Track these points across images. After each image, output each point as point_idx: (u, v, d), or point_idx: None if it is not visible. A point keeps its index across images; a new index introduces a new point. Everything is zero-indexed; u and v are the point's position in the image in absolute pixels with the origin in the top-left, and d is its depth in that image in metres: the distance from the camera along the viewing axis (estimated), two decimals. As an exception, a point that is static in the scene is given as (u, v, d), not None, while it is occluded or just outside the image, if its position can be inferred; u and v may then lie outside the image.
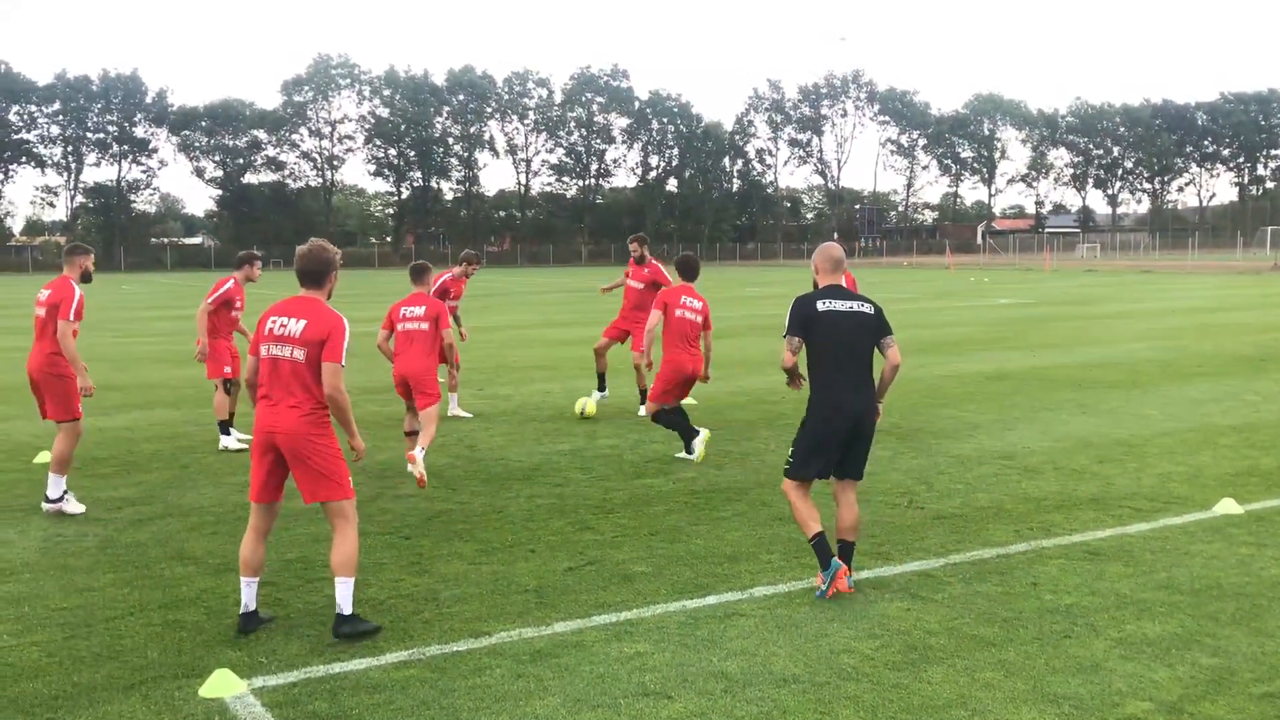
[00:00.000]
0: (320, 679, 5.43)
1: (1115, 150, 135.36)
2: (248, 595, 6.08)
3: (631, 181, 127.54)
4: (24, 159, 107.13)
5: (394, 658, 5.68)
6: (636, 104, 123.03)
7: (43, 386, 8.83)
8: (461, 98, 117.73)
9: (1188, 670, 5.44)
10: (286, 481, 6.15)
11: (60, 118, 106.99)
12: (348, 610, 5.96)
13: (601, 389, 14.11)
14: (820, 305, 6.75)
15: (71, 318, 8.69)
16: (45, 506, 8.71)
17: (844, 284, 6.99)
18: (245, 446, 11.04)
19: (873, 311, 6.82)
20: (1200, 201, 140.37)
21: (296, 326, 5.98)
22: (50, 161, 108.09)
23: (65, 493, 8.76)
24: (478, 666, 5.55)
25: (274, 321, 6.06)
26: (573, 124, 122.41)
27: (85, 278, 9.07)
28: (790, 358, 6.79)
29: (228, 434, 11.52)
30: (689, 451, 10.59)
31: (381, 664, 5.61)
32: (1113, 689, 5.22)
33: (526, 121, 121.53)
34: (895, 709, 5.02)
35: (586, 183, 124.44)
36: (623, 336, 13.94)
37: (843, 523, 6.83)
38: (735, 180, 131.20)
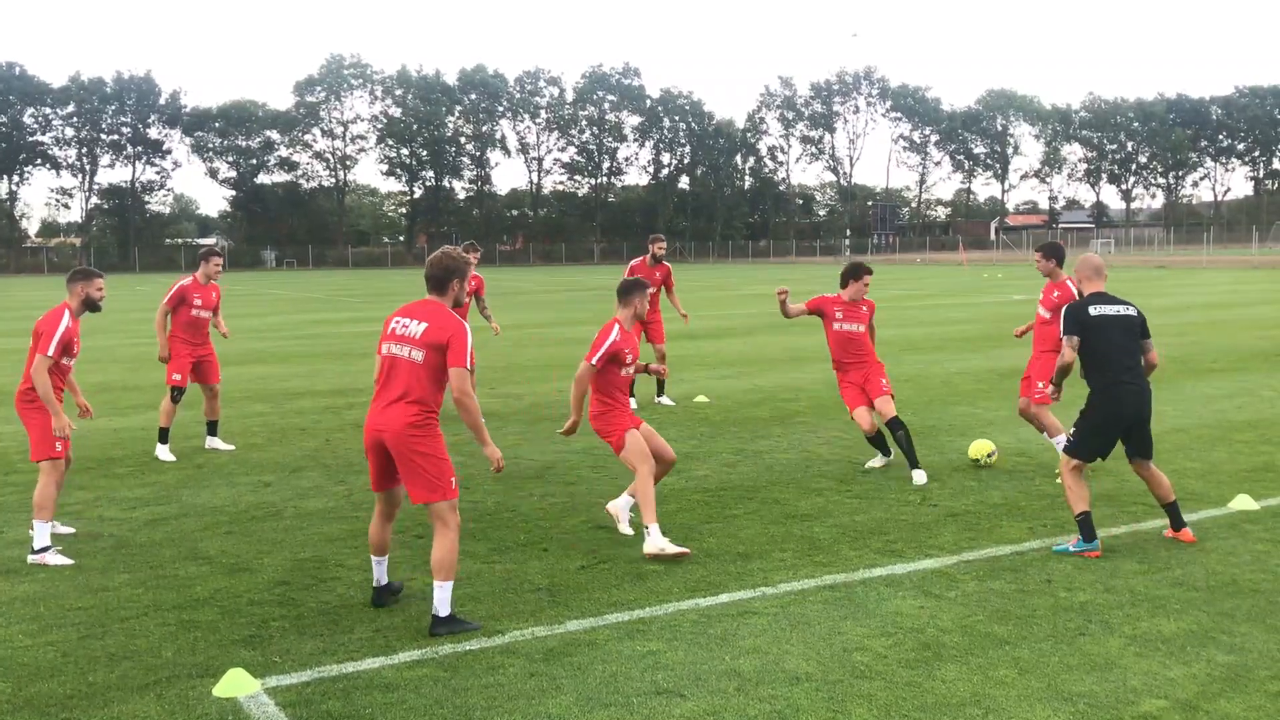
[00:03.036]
0: (333, 678, 5.44)
1: (1129, 145, 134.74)
2: (378, 572, 6.45)
3: (643, 180, 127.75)
4: (39, 161, 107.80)
5: (407, 657, 5.69)
6: (648, 102, 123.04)
7: (22, 420, 7.77)
8: (473, 97, 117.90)
9: (1203, 668, 5.41)
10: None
11: (75, 120, 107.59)
12: (444, 612, 6.03)
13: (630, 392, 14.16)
14: (1093, 310, 7.50)
15: (50, 352, 7.55)
16: (30, 558, 7.50)
17: (1104, 289, 7.79)
18: (172, 459, 10.98)
19: (1136, 314, 7.59)
20: (1215, 196, 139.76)
21: (418, 328, 6.09)
22: (65, 163, 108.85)
23: (49, 545, 7.57)
24: (491, 665, 5.56)
25: (397, 322, 6.22)
26: (584, 122, 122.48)
27: (89, 306, 8.03)
28: (1071, 354, 7.45)
29: (164, 442, 11.19)
30: None
31: (394, 663, 5.61)
32: (1128, 687, 5.20)
33: (538, 120, 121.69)
34: (909, 707, 5.01)
35: (598, 181, 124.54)
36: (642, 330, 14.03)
37: (1159, 490, 7.61)
38: (747, 178, 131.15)
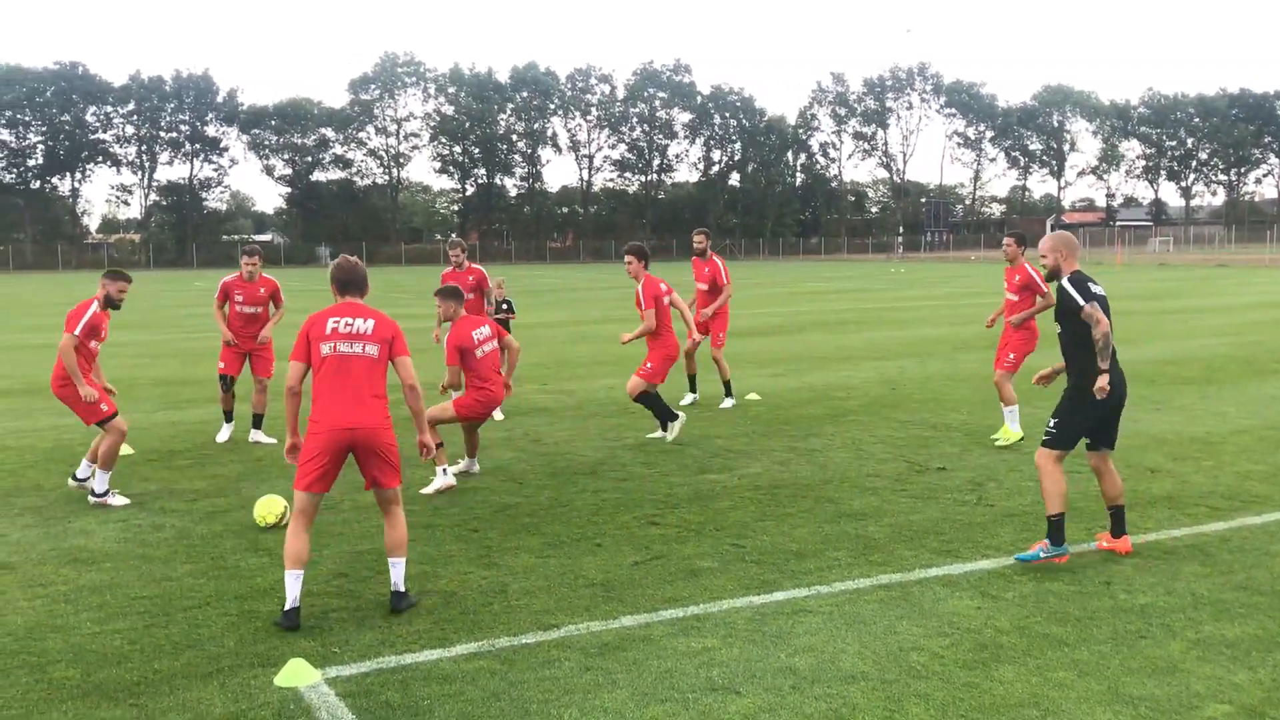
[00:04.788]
0: (392, 669, 5.51)
1: (1189, 141, 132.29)
2: (295, 590, 6.11)
3: (693, 176, 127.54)
4: (100, 158, 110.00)
5: (464, 649, 5.75)
6: (699, 98, 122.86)
7: (68, 402, 9.05)
8: (525, 94, 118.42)
9: (1269, 673, 5.31)
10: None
11: (135, 118, 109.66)
12: (403, 587, 6.38)
13: (692, 389, 14.08)
14: (1093, 287, 7.08)
15: (76, 331, 8.82)
16: (91, 500, 8.97)
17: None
18: (228, 439, 11.74)
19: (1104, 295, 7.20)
20: (1279, 193, 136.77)
21: (366, 325, 6.28)
22: (125, 160, 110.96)
23: (109, 489, 9.01)
24: (546, 659, 5.60)
25: (337, 321, 6.28)
26: (635, 119, 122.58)
27: (109, 303, 9.15)
28: (1106, 321, 6.93)
29: (228, 422, 11.99)
30: (664, 430, 11.36)
31: (452, 655, 5.67)
32: (1191, 691, 5.12)
33: (589, 117, 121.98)
34: (966, 707, 4.97)
35: (648, 178, 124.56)
36: (704, 331, 13.87)
37: (1112, 490, 7.23)
38: (798, 174, 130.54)
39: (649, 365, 11.29)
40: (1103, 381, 6.91)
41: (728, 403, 13.79)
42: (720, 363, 13.92)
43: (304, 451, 6.24)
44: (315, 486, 6.21)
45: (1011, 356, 11.20)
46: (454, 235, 14.37)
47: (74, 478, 9.49)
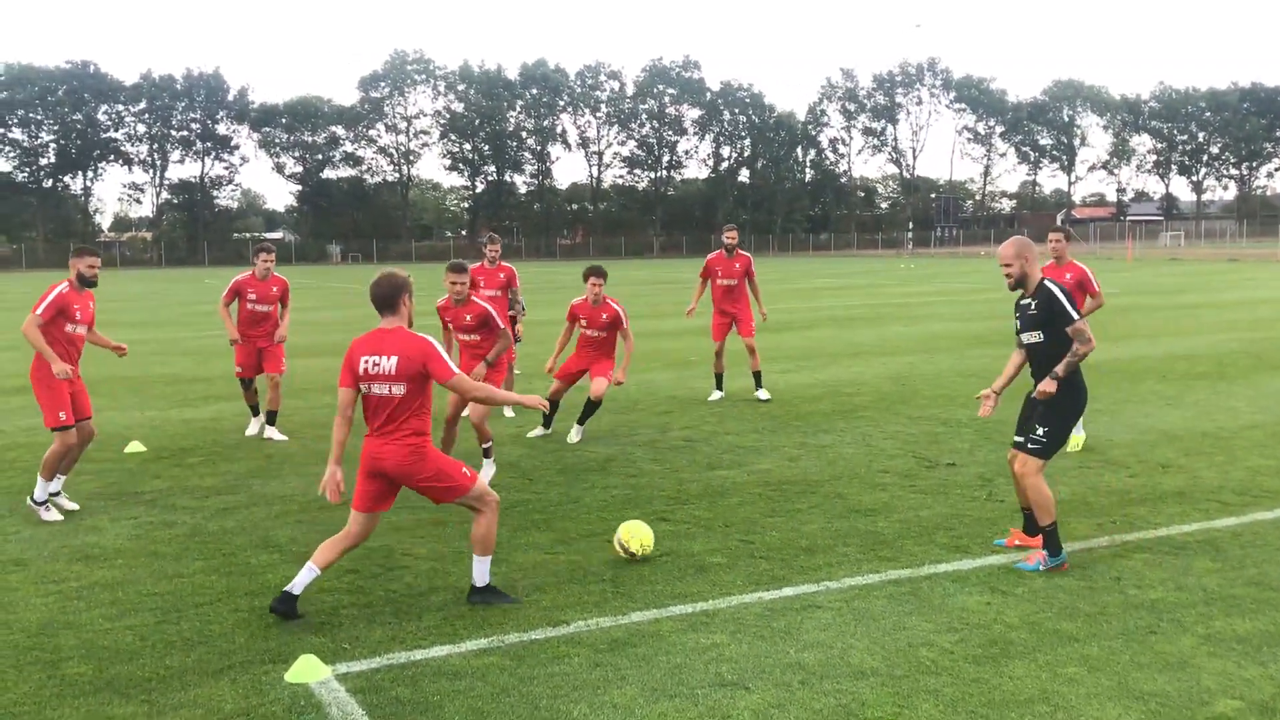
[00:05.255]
0: (402, 665, 5.53)
1: (1200, 135, 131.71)
2: (303, 578, 6.17)
3: (703, 173, 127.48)
4: (112, 157, 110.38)
5: (473, 645, 5.76)
6: (708, 95, 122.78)
7: (36, 396, 8.70)
8: (534, 91, 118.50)
9: (1280, 668, 5.30)
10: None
11: (146, 116, 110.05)
12: (483, 582, 6.42)
13: (719, 388, 14.07)
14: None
15: (39, 311, 8.47)
16: (27, 501, 8.70)
17: None
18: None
19: None
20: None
21: (389, 364, 6.17)
22: (137, 159, 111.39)
23: (53, 494, 8.64)
24: (556, 655, 5.61)
25: (367, 361, 6.22)
26: (644, 116, 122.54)
27: (83, 281, 8.76)
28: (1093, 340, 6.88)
29: (256, 415, 12.04)
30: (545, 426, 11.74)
31: (461, 651, 5.69)
32: (1202, 686, 5.11)
33: (599, 114, 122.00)
34: (976, 703, 4.97)
35: (658, 175, 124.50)
36: (731, 324, 13.86)
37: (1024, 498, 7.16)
38: (808, 170, 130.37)
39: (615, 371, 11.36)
40: (1051, 386, 6.74)
41: (761, 394, 13.84)
42: (754, 352, 13.81)
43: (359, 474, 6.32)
44: (362, 505, 6.26)
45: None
46: (491, 232, 14.36)
47: (33, 499, 8.63)
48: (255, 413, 12.11)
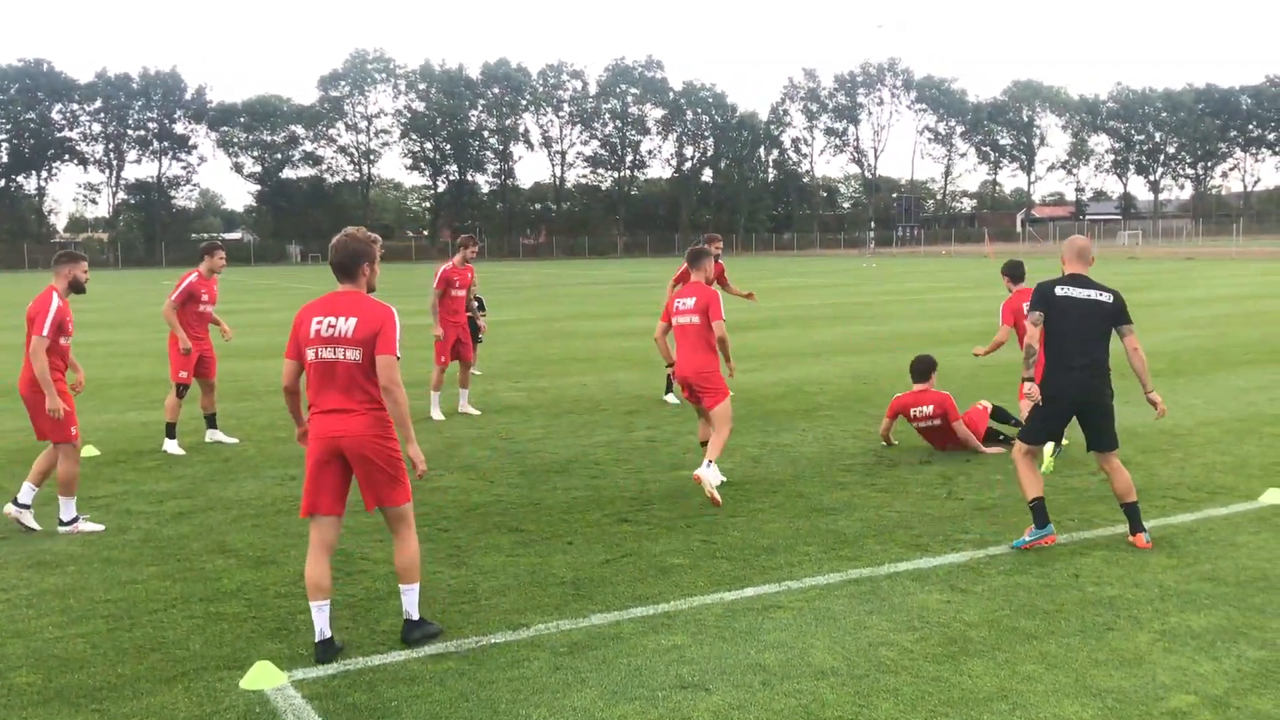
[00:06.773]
0: (359, 671, 5.46)
1: (1157, 136, 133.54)
2: (320, 620, 5.63)
3: (666, 173, 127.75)
4: (67, 157, 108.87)
5: (432, 650, 5.70)
6: (671, 94, 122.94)
7: (31, 406, 8.20)
8: (496, 91, 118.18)
9: (1234, 663, 5.35)
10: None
11: (102, 115, 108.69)
12: (418, 615, 5.84)
13: (669, 389, 14.01)
14: (1059, 291, 7.36)
15: (45, 332, 7.96)
16: (60, 529, 8.12)
17: (1086, 273, 7.56)
18: (182, 453, 11.03)
19: (1111, 300, 7.37)
20: (1245, 187, 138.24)
21: (347, 325, 5.52)
22: (92, 159, 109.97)
23: (78, 515, 8.25)
24: (515, 659, 5.56)
25: (319, 322, 5.57)
26: (607, 115, 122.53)
27: (75, 288, 8.46)
28: (1032, 330, 7.31)
29: (172, 437, 11.24)
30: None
31: (419, 656, 5.62)
32: (1157, 682, 5.15)
33: (561, 114, 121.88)
34: (935, 702, 4.98)
35: (621, 174, 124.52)
36: None
37: (1119, 488, 7.36)
38: (771, 170, 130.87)
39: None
40: (1033, 391, 7.32)
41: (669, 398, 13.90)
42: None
43: (306, 472, 5.71)
44: (320, 507, 5.61)
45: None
46: (467, 234, 14.23)
47: (15, 503, 8.25)
48: (172, 433, 11.23)
